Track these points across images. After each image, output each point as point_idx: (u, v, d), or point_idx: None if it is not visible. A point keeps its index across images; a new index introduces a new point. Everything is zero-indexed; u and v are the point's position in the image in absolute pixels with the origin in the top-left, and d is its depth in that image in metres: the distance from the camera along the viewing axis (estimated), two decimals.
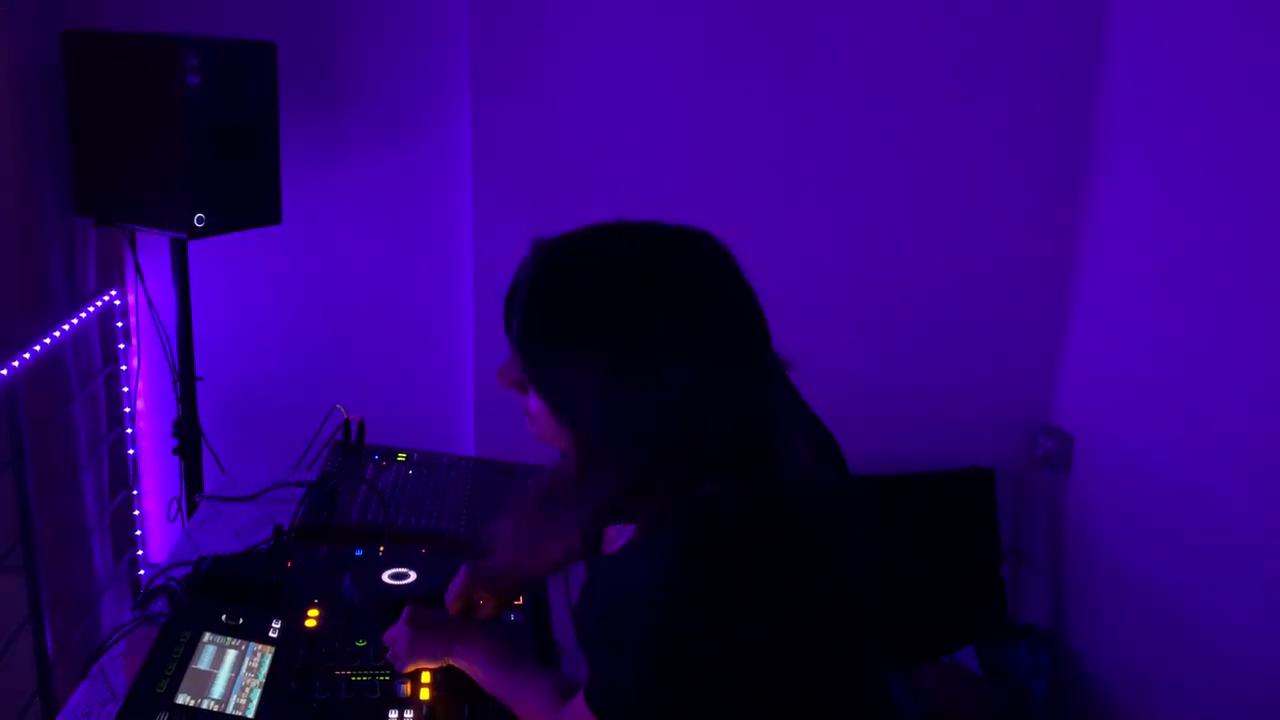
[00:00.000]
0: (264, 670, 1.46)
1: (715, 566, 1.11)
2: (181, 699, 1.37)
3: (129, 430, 3.08)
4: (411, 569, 1.74)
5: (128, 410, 3.06)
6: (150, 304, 2.84)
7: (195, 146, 2.37)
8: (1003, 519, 3.34)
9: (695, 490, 1.16)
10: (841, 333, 3.16)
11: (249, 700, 1.40)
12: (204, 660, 1.45)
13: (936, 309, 3.22)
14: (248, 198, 2.56)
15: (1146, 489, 2.88)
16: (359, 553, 1.82)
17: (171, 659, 1.44)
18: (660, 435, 1.13)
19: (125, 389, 3.05)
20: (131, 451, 3.10)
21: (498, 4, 2.79)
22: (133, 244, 2.77)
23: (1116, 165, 3.01)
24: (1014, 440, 3.36)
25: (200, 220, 2.42)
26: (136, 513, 3.16)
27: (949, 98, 3.04)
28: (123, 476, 3.09)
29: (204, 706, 1.37)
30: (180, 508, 2.85)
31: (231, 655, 1.48)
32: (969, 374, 3.28)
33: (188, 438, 2.80)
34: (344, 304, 3.05)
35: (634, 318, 1.11)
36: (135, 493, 3.14)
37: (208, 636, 1.50)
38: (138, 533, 3.17)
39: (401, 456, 2.41)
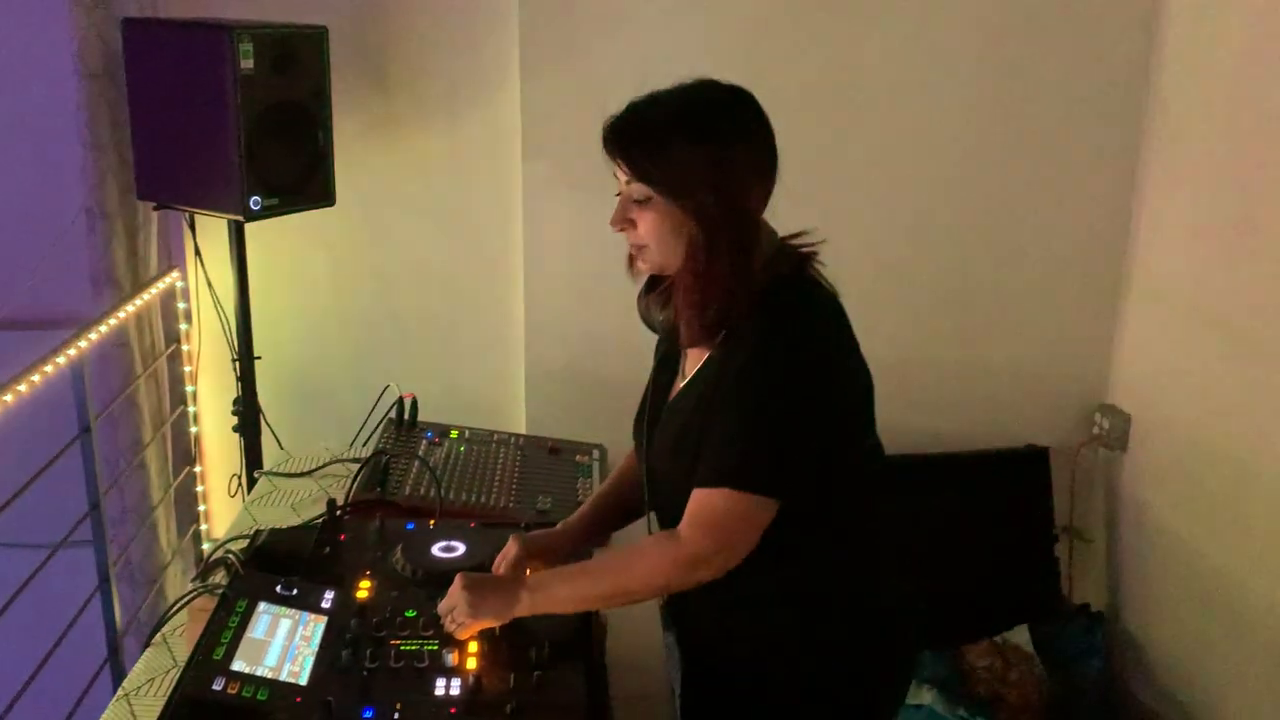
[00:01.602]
0: (316, 639, 1.51)
1: (793, 332, 1.44)
2: (237, 665, 1.42)
3: (191, 409, 3.17)
4: (461, 542, 1.77)
5: (190, 389, 3.15)
6: (209, 285, 2.92)
7: (249, 130, 2.43)
8: (1057, 498, 3.30)
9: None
10: (897, 310, 3.13)
11: (301, 668, 1.45)
12: (259, 629, 1.50)
13: (993, 287, 3.19)
14: (302, 180, 2.61)
15: (1204, 468, 2.83)
16: (410, 526, 1.87)
17: (228, 628, 1.49)
18: (750, 224, 1.47)
19: (187, 368, 3.14)
20: (194, 429, 3.19)
21: None
22: (192, 227, 2.84)
23: (1175, 141, 2.95)
24: (1070, 419, 3.31)
25: (256, 203, 2.47)
26: (200, 489, 3.26)
27: (1007, 73, 2.99)
28: (186, 454, 3.18)
29: (259, 673, 1.41)
30: (240, 483, 2.93)
31: (286, 624, 1.53)
32: (1025, 353, 3.24)
33: (247, 416, 2.88)
34: (397, 284, 3.10)
35: (736, 135, 1.47)
36: (198, 469, 3.23)
37: (263, 606, 1.55)
38: (201, 508, 3.27)
39: (454, 434, 2.45)
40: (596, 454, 2.46)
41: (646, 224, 1.47)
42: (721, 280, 1.44)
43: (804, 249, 1.53)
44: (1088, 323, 3.21)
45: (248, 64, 2.39)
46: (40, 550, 2.49)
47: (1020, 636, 3.12)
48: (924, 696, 2.96)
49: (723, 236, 1.44)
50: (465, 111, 2.98)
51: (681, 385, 1.60)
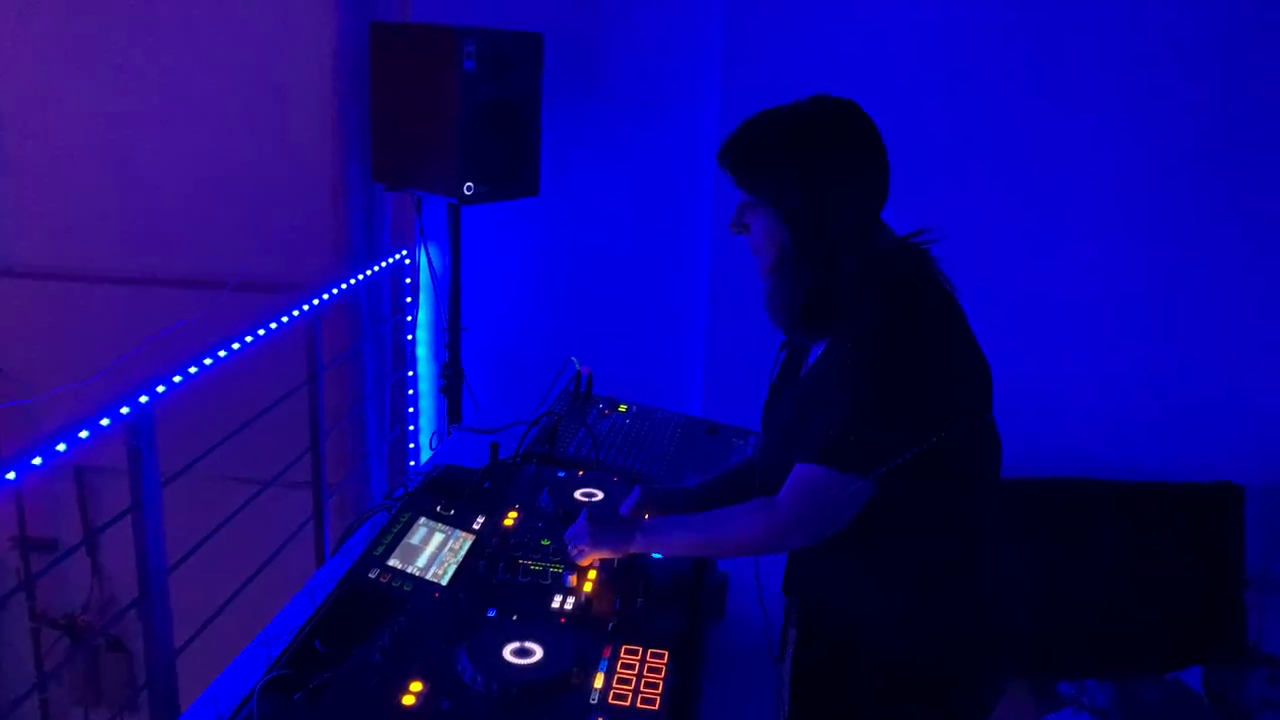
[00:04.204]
0: (463, 552, 1.74)
1: (906, 319, 1.53)
2: (392, 562, 1.67)
3: (410, 373, 3.55)
4: (601, 490, 1.97)
5: (419, 354, 3.52)
6: (429, 261, 3.27)
7: (467, 124, 2.74)
8: (1251, 540, 3.14)
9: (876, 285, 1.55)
10: (1098, 334, 3.11)
11: (445, 572, 1.68)
12: (416, 537, 1.75)
13: (1197, 316, 3.09)
14: (511, 171, 2.91)
15: None
16: (561, 474, 2.08)
17: (391, 532, 1.75)
18: (843, 230, 1.56)
19: (410, 337, 3.52)
20: (411, 391, 3.57)
21: None
22: (418, 210, 3.21)
23: None
24: (1271, 458, 3.14)
25: (469, 189, 2.78)
26: (412, 445, 3.64)
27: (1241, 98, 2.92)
28: (401, 412, 3.56)
29: (409, 570, 1.66)
30: (442, 437, 3.27)
31: (439, 537, 1.77)
32: (1228, 386, 3.12)
33: (452, 380, 3.21)
34: (590, 270, 3.36)
35: (829, 147, 1.56)
36: (411, 428, 3.61)
37: (422, 520, 1.80)
38: (411, 463, 3.64)
39: (622, 407, 2.66)
40: (752, 439, 2.60)
41: (755, 227, 1.61)
42: (807, 281, 1.56)
43: (924, 246, 1.61)
44: None
45: (470, 64, 2.69)
46: (291, 487, 2.90)
47: (1192, 678, 3.00)
48: None
49: (810, 241, 1.55)
50: (668, 112, 3.20)
51: (802, 376, 1.73)
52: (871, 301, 1.54)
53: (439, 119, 2.76)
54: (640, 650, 1.49)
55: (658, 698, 1.39)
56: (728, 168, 1.59)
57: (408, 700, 1.36)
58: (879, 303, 1.54)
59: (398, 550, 1.70)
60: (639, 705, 1.38)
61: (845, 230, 1.56)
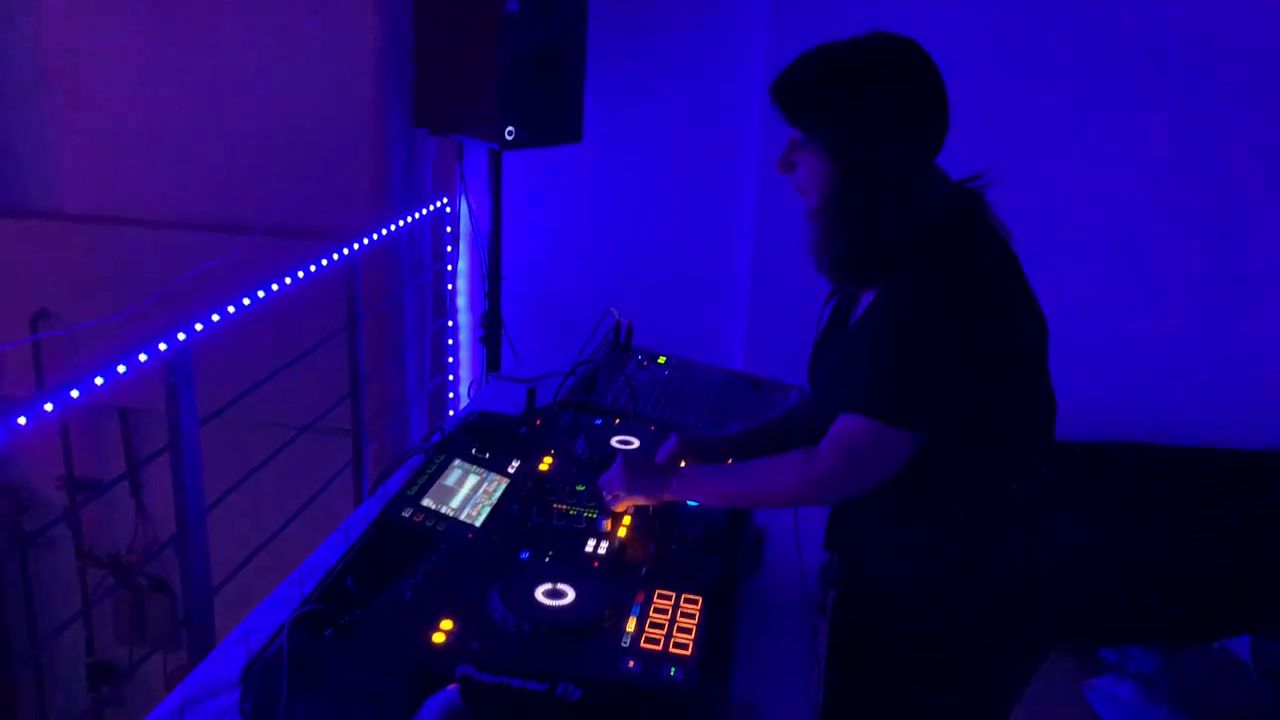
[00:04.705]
0: (497, 495, 1.73)
1: (958, 266, 1.47)
2: (426, 502, 1.65)
3: (449, 322, 3.53)
4: (637, 438, 1.94)
5: (458, 303, 3.51)
6: (469, 209, 3.24)
7: (509, 67, 2.69)
8: None
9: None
10: (1156, 294, 3.03)
11: (479, 514, 1.66)
12: (451, 479, 1.74)
13: (1262, 281, 3.01)
14: (554, 116, 2.86)
15: None
16: (598, 421, 2.05)
17: (426, 473, 1.73)
18: (894, 171, 1.49)
19: (450, 286, 3.50)
20: (451, 340, 3.56)
21: None
22: (459, 156, 3.17)
23: None
24: None
25: (510, 133, 2.74)
26: (451, 395, 3.63)
27: None
28: (441, 361, 3.56)
29: (442, 511, 1.65)
30: (481, 386, 3.26)
31: (473, 479, 1.75)
32: None
33: (491, 329, 3.19)
34: (632, 219, 3.32)
35: (887, 85, 1.49)
36: (451, 377, 3.61)
37: (457, 462, 1.78)
38: (450, 412, 3.64)
39: (662, 359, 2.62)
40: (795, 394, 2.55)
41: (803, 167, 1.55)
42: (854, 225, 1.50)
43: (979, 190, 1.55)
44: None
45: (514, 6, 2.64)
46: (332, 434, 2.91)
47: (1240, 647, 2.93)
48: (1123, 689, 2.85)
49: (860, 183, 1.49)
50: (714, 57, 3.13)
51: (850, 326, 1.67)
52: (922, 248, 1.49)
53: (481, 62, 2.72)
54: (674, 595, 1.46)
55: (690, 643, 1.36)
56: (778, 102, 1.53)
57: (438, 638, 1.34)
58: (930, 249, 1.49)
59: (432, 491, 1.69)
60: (671, 650, 1.35)
61: (898, 173, 1.50)
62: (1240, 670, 2.87)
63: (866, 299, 1.63)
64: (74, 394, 1.77)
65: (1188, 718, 2.79)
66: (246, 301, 2.31)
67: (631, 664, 1.32)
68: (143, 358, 1.93)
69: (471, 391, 3.33)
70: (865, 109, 1.48)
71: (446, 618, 1.37)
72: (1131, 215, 3.03)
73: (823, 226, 1.55)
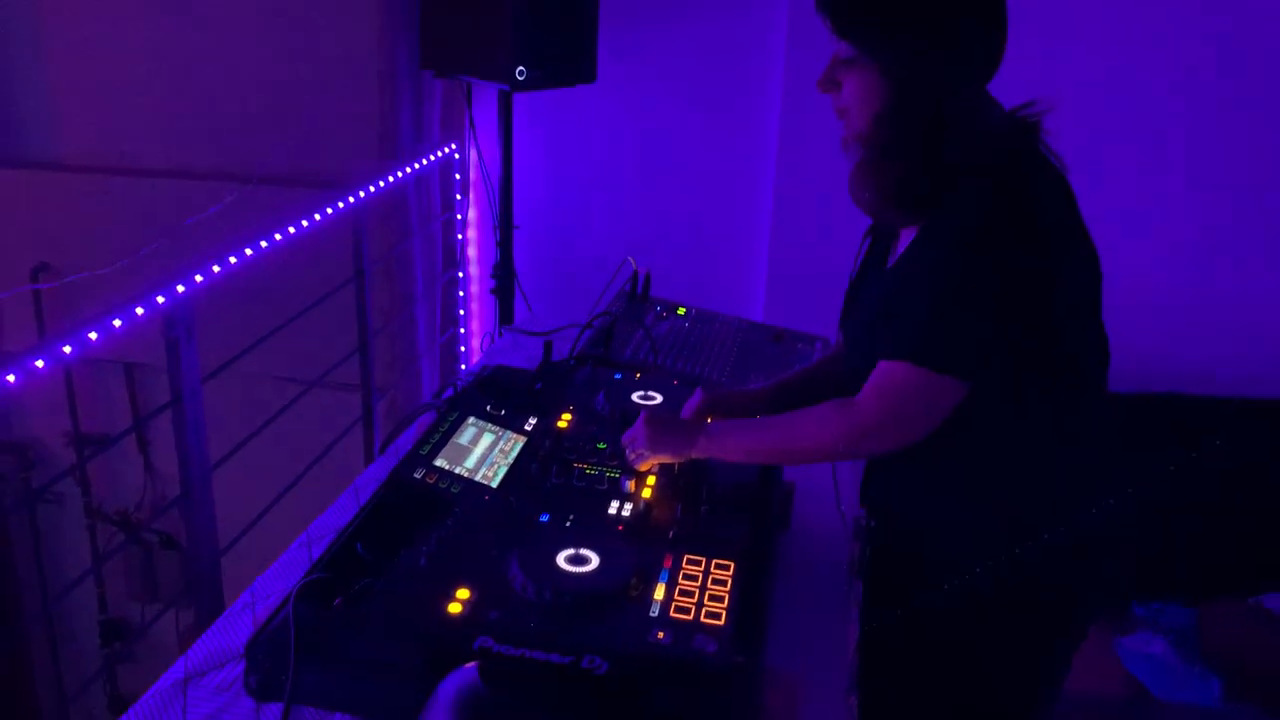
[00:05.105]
0: (514, 454, 1.64)
1: (1000, 209, 1.34)
2: (439, 462, 1.57)
3: (460, 273, 3.43)
4: (659, 393, 1.85)
5: (469, 254, 3.41)
6: (479, 155, 3.13)
7: (520, 4, 2.56)
8: None
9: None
10: (1206, 242, 2.92)
11: (495, 474, 1.58)
12: (465, 437, 1.65)
13: None
14: (567, 56, 2.73)
15: None
16: (617, 376, 1.96)
17: (438, 431, 1.64)
18: (949, 94, 1.37)
19: (460, 236, 3.40)
20: (462, 293, 3.47)
21: None
22: (468, 100, 3.05)
23: None
24: None
25: (521, 73, 2.62)
26: (463, 349, 3.55)
27: None
28: (452, 314, 3.47)
29: (456, 471, 1.56)
30: (494, 339, 3.17)
31: (489, 438, 1.67)
32: None
33: (503, 280, 3.09)
34: (649, 165, 3.19)
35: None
36: (463, 331, 3.51)
37: (471, 419, 1.69)
38: (462, 367, 3.56)
39: (681, 310, 2.52)
40: (819, 346, 2.46)
41: (849, 86, 1.42)
42: (903, 153, 1.39)
43: (1031, 120, 1.43)
44: None
45: None
46: (343, 389, 2.83)
47: (1274, 602, 2.85)
48: (1155, 646, 2.79)
49: (914, 106, 1.37)
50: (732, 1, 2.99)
51: (889, 268, 1.57)
52: (974, 181, 1.37)
53: None
54: (704, 561, 1.38)
55: (724, 612, 1.28)
56: (825, 10, 1.39)
57: (454, 609, 1.26)
58: (982, 183, 1.36)
59: (445, 450, 1.60)
60: (703, 620, 1.26)
61: (954, 96, 1.37)
62: (1274, 626, 2.80)
63: (906, 238, 1.52)
64: (66, 349, 1.68)
65: (1220, 675, 2.73)
66: (249, 252, 2.21)
67: (661, 635, 1.23)
68: (140, 311, 1.84)
69: (484, 345, 3.24)
70: (925, 23, 1.35)
71: (463, 586, 1.29)
72: (1180, 153, 2.89)
73: (871, 152, 1.43)
